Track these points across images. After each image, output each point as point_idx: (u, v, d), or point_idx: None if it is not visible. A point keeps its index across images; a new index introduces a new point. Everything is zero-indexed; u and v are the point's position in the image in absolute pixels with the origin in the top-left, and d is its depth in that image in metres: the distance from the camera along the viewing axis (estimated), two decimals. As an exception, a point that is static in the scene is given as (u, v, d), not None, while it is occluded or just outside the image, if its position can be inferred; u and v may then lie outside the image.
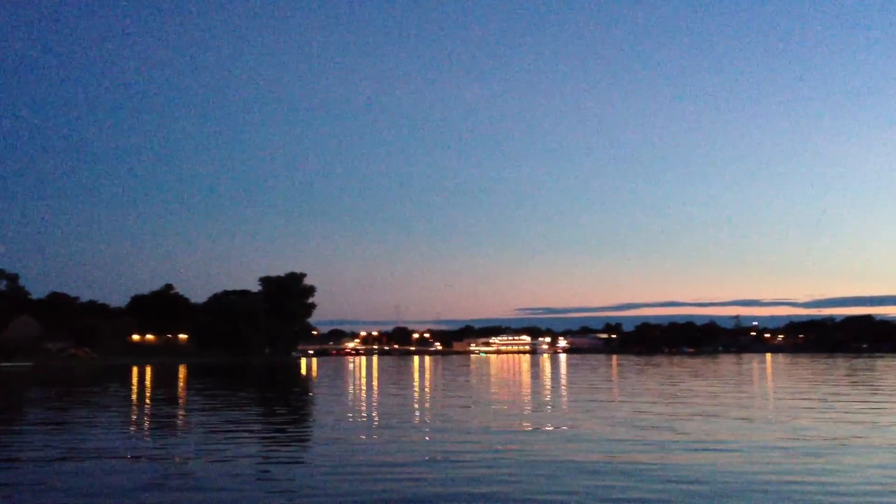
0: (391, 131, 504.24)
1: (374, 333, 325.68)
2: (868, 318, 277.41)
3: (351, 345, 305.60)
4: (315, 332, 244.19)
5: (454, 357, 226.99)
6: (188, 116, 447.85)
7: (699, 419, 27.54)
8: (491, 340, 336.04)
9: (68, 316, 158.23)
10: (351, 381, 65.56)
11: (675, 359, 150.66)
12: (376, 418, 29.60)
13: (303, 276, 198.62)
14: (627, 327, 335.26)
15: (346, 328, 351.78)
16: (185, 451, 20.26)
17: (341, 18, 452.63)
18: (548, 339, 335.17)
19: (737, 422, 26.68)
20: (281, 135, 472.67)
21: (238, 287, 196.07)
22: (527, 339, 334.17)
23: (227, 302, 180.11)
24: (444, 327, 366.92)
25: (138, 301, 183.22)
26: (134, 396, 44.64)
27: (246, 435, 23.98)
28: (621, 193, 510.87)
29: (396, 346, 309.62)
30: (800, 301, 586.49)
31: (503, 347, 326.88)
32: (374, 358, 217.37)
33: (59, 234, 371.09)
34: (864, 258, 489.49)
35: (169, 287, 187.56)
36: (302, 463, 18.27)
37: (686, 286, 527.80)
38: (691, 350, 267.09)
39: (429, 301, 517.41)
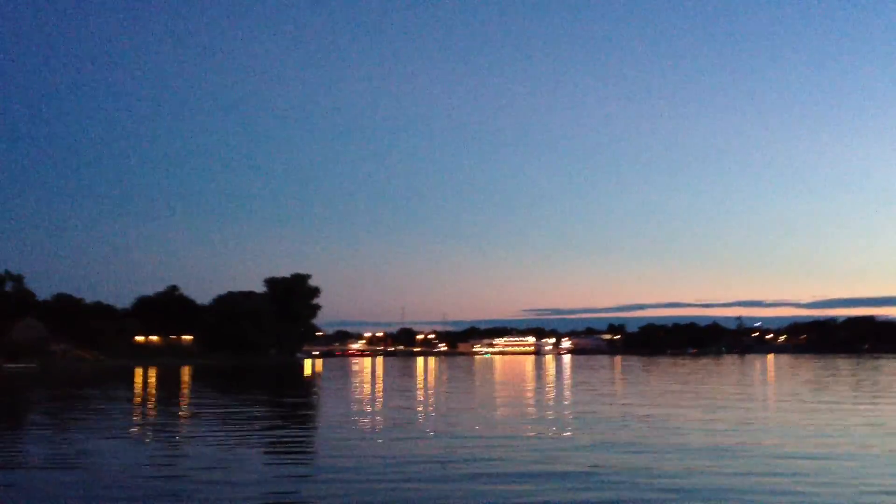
0: (397, 132, 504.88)
1: (379, 334, 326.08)
2: (870, 318, 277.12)
3: (356, 346, 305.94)
4: (320, 334, 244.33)
5: (458, 358, 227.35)
6: (195, 118, 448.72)
7: (698, 423, 27.98)
8: (495, 341, 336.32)
9: (74, 317, 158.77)
10: (353, 383, 65.99)
11: (678, 360, 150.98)
12: (376, 422, 30.08)
13: (308, 277, 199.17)
14: (631, 328, 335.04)
15: (352, 329, 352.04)
16: (183, 456, 20.70)
17: (341, 19, 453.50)
18: (552, 341, 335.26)
19: (736, 427, 27.09)
20: (287, 136, 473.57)
21: (243, 288, 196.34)
22: (531, 340, 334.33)
23: (232, 303, 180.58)
24: (449, 328, 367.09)
25: (144, 302, 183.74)
26: (136, 399, 45.11)
27: (247, 438, 24.46)
28: (626, 195, 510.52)
29: (401, 348, 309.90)
30: (802, 302, 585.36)
31: (507, 348, 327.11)
32: (379, 359, 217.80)
33: (65, 236, 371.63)
34: (867, 259, 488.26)
35: (174, 288, 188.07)
36: (305, 466, 18.79)
37: (689, 287, 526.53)
38: (694, 351, 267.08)
39: (434, 302, 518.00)
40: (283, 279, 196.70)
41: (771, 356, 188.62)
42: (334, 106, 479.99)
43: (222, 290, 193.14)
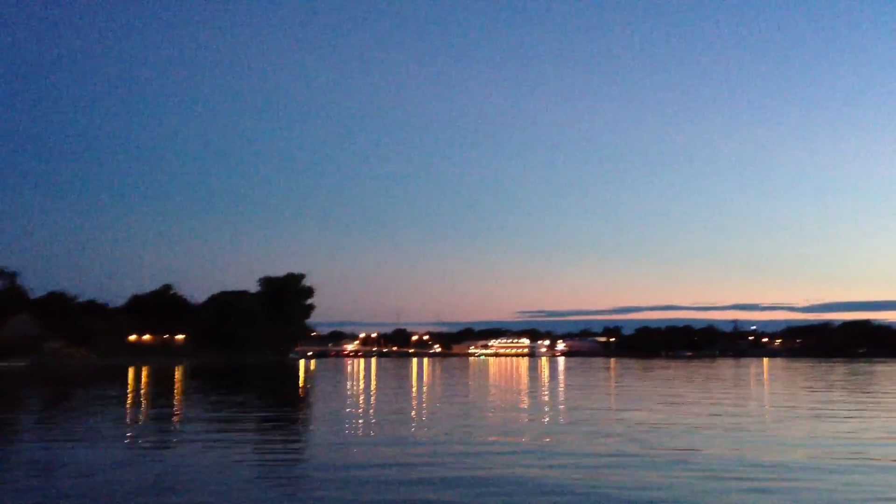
0: (391, 132, 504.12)
1: (374, 335, 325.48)
2: (866, 322, 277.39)
3: (350, 346, 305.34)
4: (314, 334, 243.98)
5: (453, 360, 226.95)
6: (188, 116, 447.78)
7: (687, 428, 27.51)
8: (490, 343, 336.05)
9: (67, 315, 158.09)
10: (344, 383, 65.48)
11: (674, 363, 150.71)
12: (363, 425, 29.59)
13: (302, 276, 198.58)
14: (627, 331, 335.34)
15: (346, 330, 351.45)
16: (169, 461, 20.23)
17: (340, 18, 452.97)
18: (546, 342, 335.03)
19: (727, 433, 26.62)
20: (280, 135, 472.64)
21: (237, 287, 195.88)
22: (526, 342, 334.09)
23: (226, 302, 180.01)
24: (444, 329, 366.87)
25: (137, 301, 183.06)
26: (128, 397, 44.64)
27: (234, 440, 23.94)
28: (621, 197, 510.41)
29: (396, 348, 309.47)
30: (798, 306, 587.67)
31: (501, 350, 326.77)
32: (373, 360, 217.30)
33: (59, 233, 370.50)
34: (863, 263, 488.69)
35: (168, 287, 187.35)
36: (294, 466, 18.26)
37: (685, 290, 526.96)
38: (690, 354, 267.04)
39: (429, 303, 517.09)
40: (277, 279, 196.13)
41: (766, 360, 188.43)
42: (330, 105, 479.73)
43: (216, 290, 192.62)
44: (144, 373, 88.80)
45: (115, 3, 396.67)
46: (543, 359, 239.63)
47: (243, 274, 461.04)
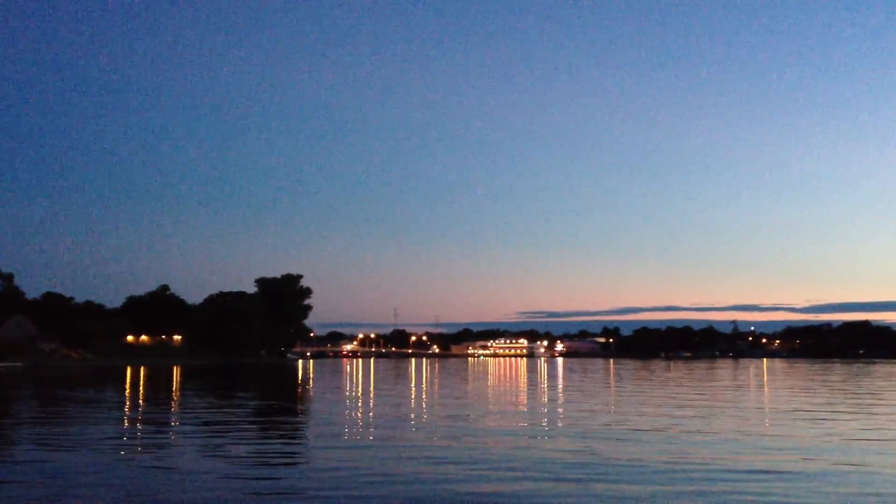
0: (389, 133, 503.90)
1: (372, 336, 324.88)
2: (865, 323, 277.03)
3: (348, 347, 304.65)
4: (312, 335, 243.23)
5: (451, 360, 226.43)
6: (185, 117, 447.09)
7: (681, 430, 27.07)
8: (488, 344, 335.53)
9: (63, 316, 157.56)
10: (341, 384, 64.99)
11: (673, 364, 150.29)
12: (357, 427, 29.13)
13: (299, 277, 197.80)
14: (626, 331, 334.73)
15: (345, 330, 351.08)
16: (165, 464, 19.76)
17: (339, 19, 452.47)
18: (545, 343, 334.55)
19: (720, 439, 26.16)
20: (278, 136, 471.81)
21: (234, 288, 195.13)
22: (524, 342, 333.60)
23: (223, 303, 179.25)
24: (442, 330, 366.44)
25: (133, 302, 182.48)
26: (126, 398, 44.15)
27: (230, 441, 23.47)
28: (621, 198, 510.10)
29: (394, 349, 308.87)
30: (797, 306, 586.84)
31: (500, 351, 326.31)
32: (371, 360, 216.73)
33: (55, 234, 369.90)
34: (862, 264, 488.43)
35: (164, 288, 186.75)
36: (289, 467, 17.78)
37: (684, 291, 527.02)
38: (689, 354, 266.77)
39: (427, 303, 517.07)
40: (275, 280, 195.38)
41: (765, 361, 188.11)
42: (328, 106, 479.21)
43: (213, 290, 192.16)
44: (142, 374, 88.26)
45: (115, 4, 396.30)
46: (542, 360, 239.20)
47: (240, 275, 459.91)
